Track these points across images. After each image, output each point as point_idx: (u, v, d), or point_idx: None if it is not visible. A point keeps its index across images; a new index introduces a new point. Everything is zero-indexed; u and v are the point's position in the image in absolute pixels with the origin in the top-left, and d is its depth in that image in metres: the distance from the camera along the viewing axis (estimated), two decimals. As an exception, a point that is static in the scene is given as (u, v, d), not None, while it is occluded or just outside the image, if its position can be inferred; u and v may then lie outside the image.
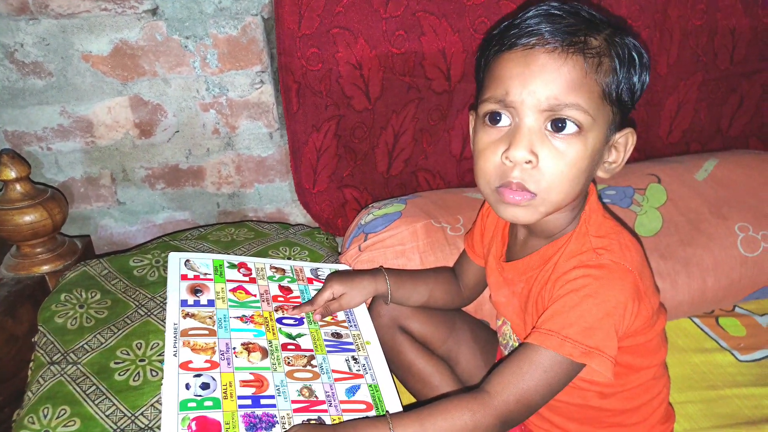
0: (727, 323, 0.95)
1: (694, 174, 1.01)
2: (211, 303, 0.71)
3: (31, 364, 0.70)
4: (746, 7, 1.06)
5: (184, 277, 0.74)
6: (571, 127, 0.53)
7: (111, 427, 0.60)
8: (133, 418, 0.62)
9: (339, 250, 1.00)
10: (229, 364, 0.63)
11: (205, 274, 0.76)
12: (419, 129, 1.03)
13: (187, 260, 0.78)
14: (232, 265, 0.79)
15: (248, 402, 0.59)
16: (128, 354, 0.68)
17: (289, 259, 0.88)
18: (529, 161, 0.53)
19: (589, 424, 0.64)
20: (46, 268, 0.86)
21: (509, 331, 0.68)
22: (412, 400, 0.77)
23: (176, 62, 0.94)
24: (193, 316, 0.68)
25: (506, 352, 0.70)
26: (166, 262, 0.84)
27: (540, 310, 0.60)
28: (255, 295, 0.75)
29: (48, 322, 0.73)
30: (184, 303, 0.70)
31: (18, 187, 0.83)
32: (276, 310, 0.73)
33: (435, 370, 0.74)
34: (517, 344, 0.67)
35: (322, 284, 0.78)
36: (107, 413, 0.62)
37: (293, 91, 0.94)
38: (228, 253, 0.87)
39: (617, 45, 0.54)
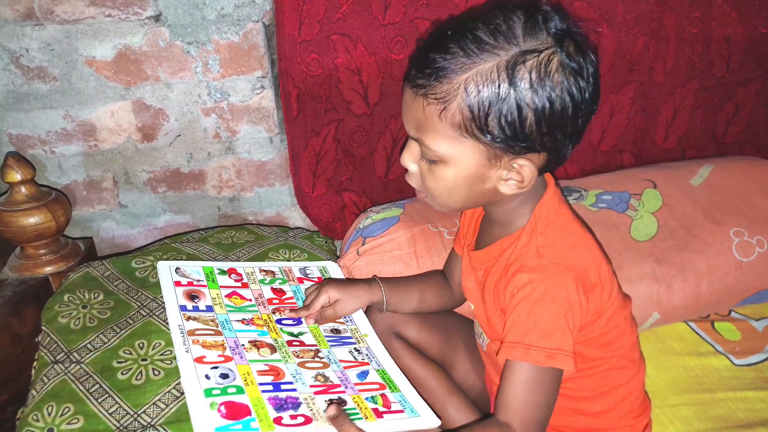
0: (723, 327, 0.96)
1: (690, 180, 1.02)
2: (209, 308, 0.71)
3: (35, 363, 0.71)
4: (741, 16, 1.07)
5: (177, 284, 0.74)
6: (426, 156, 0.58)
7: (114, 424, 0.61)
8: (135, 416, 0.63)
9: (338, 253, 1.02)
10: (242, 357, 0.63)
11: (198, 280, 0.76)
12: (418, 134, 1.04)
13: (177, 268, 0.77)
14: (222, 272, 0.79)
15: (270, 387, 0.59)
16: (131, 353, 0.69)
17: (288, 261, 0.89)
18: (407, 170, 0.61)
19: (554, 411, 0.66)
20: (49, 269, 0.87)
21: (476, 318, 0.72)
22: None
23: (178, 67, 0.96)
24: (195, 319, 0.68)
25: (478, 341, 0.74)
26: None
27: (495, 300, 0.64)
28: (250, 300, 0.75)
29: (52, 322, 0.74)
30: (183, 308, 0.69)
31: (23, 189, 0.84)
32: (273, 313, 0.74)
33: (431, 374, 0.75)
34: (483, 332, 0.71)
35: (312, 282, 0.79)
36: (110, 411, 0.63)
37: (293, 96, 0.95)
38: (224, 258, 0.88)
39: (480, 83, 0.52)
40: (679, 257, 0.92)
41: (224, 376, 0.59)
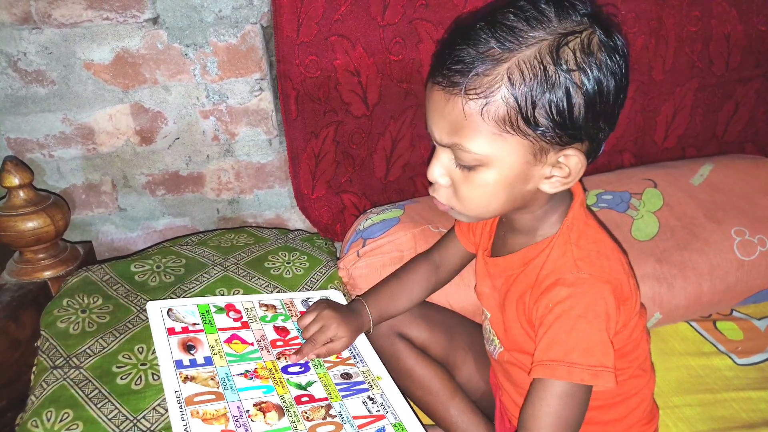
0: (725, 327, 0.96)
1: (690, 179, 1.02)
2: (208, 360, 0.66)
3: (33, 368, 0.70)
4: (741, 14, 1.07)
5: (171, 331, 0.69)
6: (464, 162, 0.54)
7: (113, 430, 0.61)
8: (135, 421, 0.62)
9: (337, 255, 1.01)
10: (246, 431, 0.58)
11: (194, 324, 0.71)
12: (417, 135, 1.04)
13: (170, 309, 0.72)
14: (219, 309, 0.74)
15: None
16: (130, 358, 0.69)
17: (288, 263, 0.89)
18: (435, 182, 0.58)
19: None
20: (48, 273, 0.87)
21: (489, 325, 0.70)
22: (421, 413, 0.76)
23: (176, 70, 0.95)
24: (193, 378, 0.63)
25: (489, 347, 0.71)
26: (167, 267, 0.85)
27: (520, 313, 0.61)
28: (252, 344, 0.70)
29: (50, 327, 0.73)
30: (179, 364, 0.65)
31: (21, 193, 0.84)
32: (278, 358, 0.69)
33: (434, 375, 0.74)
34: (495, 338, 0.69)
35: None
36: (110, 417, 0.62)
37: (292, 98, 0.95)
38: (224, 260, 0.86)
39: (525, 70, 0.49)
40: (681, 257, 0.92)
41: None
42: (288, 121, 0.97)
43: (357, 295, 0.80)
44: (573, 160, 0.54)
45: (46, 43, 0.90)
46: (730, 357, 0.90)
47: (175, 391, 0.61)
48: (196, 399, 0.61)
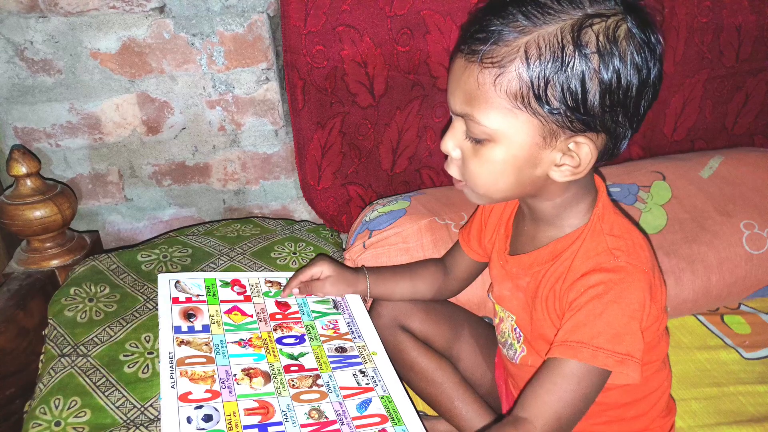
0: (732, 321, 0.95)
1: (699, 171, 1.01)
2: (206, 328, 0.68)
3: (41, 356, 0.71)
4: (752, 4, 1.05)
5: (175, 301, 0.71)
6: (474, 135, 0.53)
7: (121, 418, 0.61)
8: (142, 409, 0.63)
9: (343, 246, 1.01)
10: (231, 392, 0.60)
11: (198, 295, 0.73)
12: (423, 126, 1.03)
13: (177, 282, 0.74)
14: (225, 284, 0.76)
15: (255, 431, 0.56)
16: (137, 347, 0.69)
17: (294, 254, 0.89)
18: (450, 155, 0.56)
19: (587, 418, 0.64)
20: (55, 262, 0.87)
21: (508, 328, 0.68)
22: (425, 405, 0.76)
23: (183, 60, 0.95)
24: (188, 343, 0.65)
25: (504, 351, 0.70)
26: (174, 257, 0.85)
27: (551, 308, 0.59)
28: (251, 316, 0.72)
29: (58, 316, 0.74)
30: (177, 329, 0.67)
31: (28, 182, 0.84)
32: (275, 330, 0.71)
33: (438, 367, 0.73)
34: (515, 342, 0.67)
35: (319, 297, 0.77)
36: (117, 404, 0.63)
37: (299, 88, 0.94)
38: (230, 250, 0.86)
39: (543, 46, 0.48)
40: (689, 250, 0.91)
41: (208, 418, 0.57)
42: (294, 112, 0.97)
43: (362, 265, 0.81)
44: (584, 149, 0.52)
45: (52, 31, 0.90)
46: (737, 351, 0.89)
47: (169, 353, 0.63)
48: (187, 361, 0.62)
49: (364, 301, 0.79)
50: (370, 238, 0.89)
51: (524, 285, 0.63)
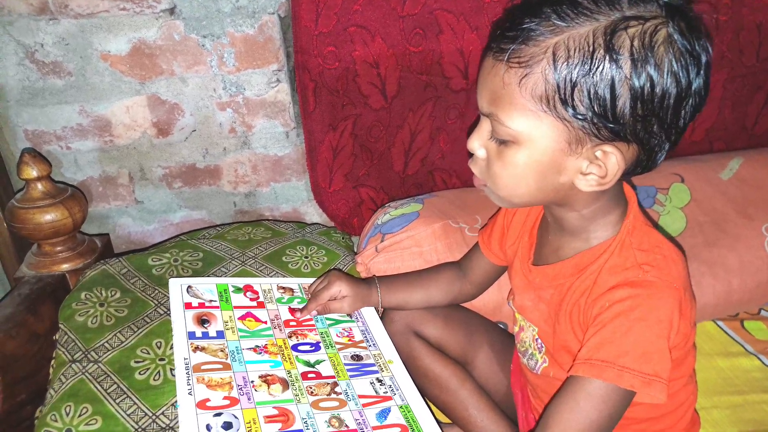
0: (753, 327, 0.93)
1: (719, 173, 0.99)
2: (220, 334, 0.67)
3: (52, 361, 0.70)
4: (773, 2, 1.03)
5: (188, 306, 0.70)
6: (498, 135, 0.52)
7: (132, 426, 0.60)
8: (154, 417, 0.62)
9: (355, 249, 1.00)
10: (249, 399, 0.59)
11: (210, 300, 0.72)
12: (436, 128, 1.02)
13: (189, 286, 0.74)
14: (237, 289, 0.75)
15: None
16: (148, 353, 0.68)
17: (306, 258, 0.88)
18: (475, 154, 0.56)
19: None
20: (66, 266, 0.86)
21: (529, 338, 0.66)
22: (438, 412, 0.75)
23: (193, 61, 0.94)
24: (203, 349, 0.64)
25: (524, 360, 0.68)
26: (185, 261, 0.84)
27: (575, 322, 0.57)
28: (265, 322, 0.71)
29: (69, 320, 0.73)
30: (192, 335, 0.66)
31: (39, 186, 0.83)
32: (290, 337, 0.70)
33: (452, 374, 0.72)
34: (537, 353, 0.65)
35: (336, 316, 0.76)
36: (128, 412, 0.62)
37: (310, 89, 0.93)
38: (242, 254, 0.86)
39: (572, 48, 0.46)
40: (709, 253, 0.89)
41: (227, 425, 0.55)
42: (305, 114, 0.96)
43: (374, 275, 0.80)
44: (612, 159, 0.49)
45: (62, 33, 0.90)
46: (758, 358, 0.87)
47: (185, 359, 0.62)
48: (203, 367, 0.62)
49: (377, 311, 0.77)
50: (382, 241, 0.88)
51: (547, 297, 0.61)
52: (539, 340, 0.64)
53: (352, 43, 0.91)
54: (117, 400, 0.62)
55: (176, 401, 0.60)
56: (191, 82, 0.96)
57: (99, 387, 0.63)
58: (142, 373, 0.65)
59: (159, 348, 0.69)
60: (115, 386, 0.63)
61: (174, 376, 0.65)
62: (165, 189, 1.04)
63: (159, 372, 0.65)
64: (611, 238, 0.56)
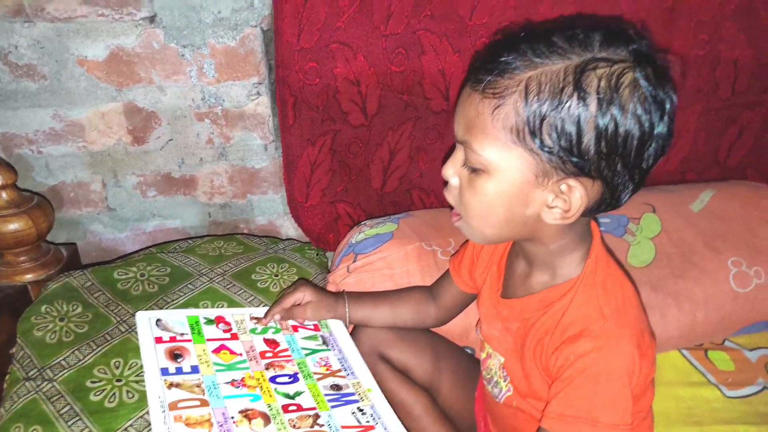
0: (716, 357, 0.94)
1: (690, 204, 1.00)
2: (195, 369, 0.65)
3: (6, 377, 0.68)
4: (750, 38, 1.05)
5: (158, 340, 0.68)
6: (470, 163, 0.54)
7: (83, 449, 0.59)
8: (106, 441, 0.60)
9: (329, 266, 0.99)
10: None
11: (182, 334, 0.70)
12: (415, 147, 1.02)
13: (159, 320, 0.71)
14: (209, 321, 0.73)
15: None
16: (105, 373, 0.67)
17: (276, 276, 0.87)
18: (449, 182, 0.57)
19: None
20: (29, 277, 0.84)
21: (495, 366, 0.67)
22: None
23: (173, 70, 0.93)
24: (178, 385, 0.62)
25: (489, 387, 0.68)
26: (151, 275, 0.83)
27: (538, 358, 0.58)
28: (241, 354, 0.69)
29: (27, 335, 0.71)
30: (165, 371, 0.63)
31: (3, 194, 0.82)
32: (267, 368, 0.68)
33: (416, 399, 0.72)
34: (502, 381, 0.66)
35: (309, 331, 0.76)
36: (80, 435, 0.60)
37: (289, 104, 0.93)
38: (210, 270, 0.84)
39: (543, 83, 0.48)
40: (676, 285, 0.90)
41: None
42: (284, 128, 0.95)
43: (343, 290, 0.80)
44: (576, 193, 0.51)
45: (38, 36, 0.88)
46: (719, 389, 0.88)
47: (159, 397, 0.60)
48: (180, 405, 0.60)
49: (345, 326, 0.77)
50: (354, 261, 0.87)
51: (514, 330, 0.62)
52: (504, 370, 0.65)
53: (334, 60, 0.90)
54: (69, 422, 0.61)
55: (131, 425, 0.59)
56: (169, 91, 0.95)
57: (51, 408, 0.62)
58: (97, 394, 0.64)
59: (117, 368, 0.67)
60: (68, 407, 0.62)
61: (131, 398, 0.64)
62: (139, 197, 1.03)
63: (115, 393, 0.64)
64: (576, 276, 0.57)
